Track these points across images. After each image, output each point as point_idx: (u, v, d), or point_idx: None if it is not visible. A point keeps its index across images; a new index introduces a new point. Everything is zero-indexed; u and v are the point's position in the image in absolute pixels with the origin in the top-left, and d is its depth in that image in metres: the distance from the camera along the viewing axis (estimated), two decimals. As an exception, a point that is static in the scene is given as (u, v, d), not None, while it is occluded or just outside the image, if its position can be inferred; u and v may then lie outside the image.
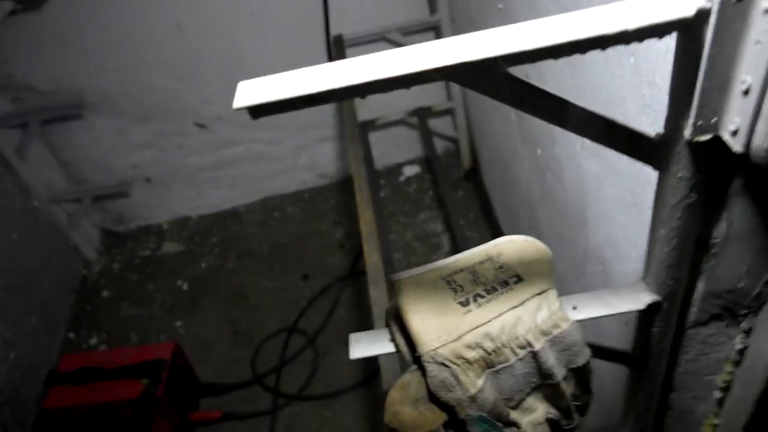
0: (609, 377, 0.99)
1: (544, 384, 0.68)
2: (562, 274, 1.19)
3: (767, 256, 0.60)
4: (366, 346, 0.72)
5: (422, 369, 0.67)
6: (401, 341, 0.70)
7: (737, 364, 0.71)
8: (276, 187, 2.53)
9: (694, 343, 0.73)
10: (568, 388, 0.69)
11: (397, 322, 0.71)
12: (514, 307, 0.66)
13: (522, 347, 0.65)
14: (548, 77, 1.05)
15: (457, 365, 0.65)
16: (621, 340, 0.87)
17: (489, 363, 0.65)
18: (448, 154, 2.48)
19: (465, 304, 0.68)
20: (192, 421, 1.81)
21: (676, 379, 0.80)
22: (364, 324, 2.02)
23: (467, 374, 0.65)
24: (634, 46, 0.70)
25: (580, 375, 0.69)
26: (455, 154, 2.48)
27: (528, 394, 0.68)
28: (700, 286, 0.66)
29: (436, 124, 2.38)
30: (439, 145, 2.49)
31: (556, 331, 0.65)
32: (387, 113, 2.28)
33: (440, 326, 0.66)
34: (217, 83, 2.17)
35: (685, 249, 0.61)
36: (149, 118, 2.22)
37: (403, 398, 0.67)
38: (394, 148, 2.48)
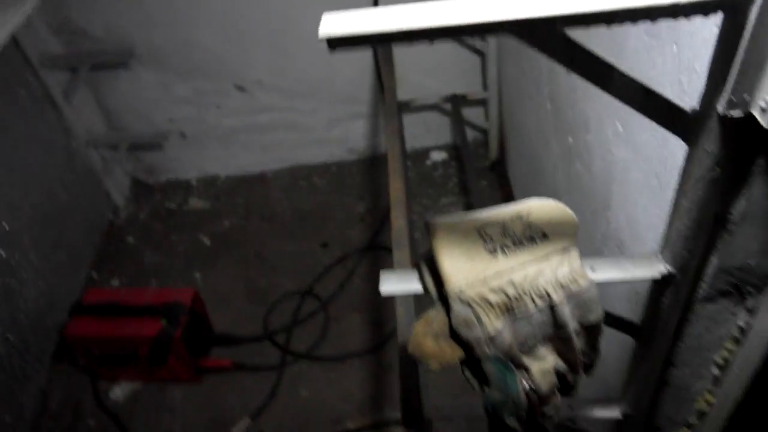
0: (612, 352, 1.04)
1: (556, 336, 0.73)
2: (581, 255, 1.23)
3: (779, 236, 0.64)
4: (395, 283, 0.78)
5: (447, 307, 0.73)
6: (430, 281, 0.75)
7: (738, 342, 0.76)
8: (305, 157, 2.59)
9: (700, 319, 0.78)
10: (578, 343, 0.74)
11: (427, 264, 0.77)
12: (538, 261, 0.72)
13: (541, 298, 0.70)
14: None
15: (480, 306, 0.70)
16: (629, 315, 0.92)
17: (509, 308, 0.71)
18: (475, 144, 2.52)
19: (493, 252, 0.73)
20: (202, 366, 1.88)
21: (677, 355, 0.85)
22: (377, 296, 2.08)
23: (488, 316, 0.70)
24: (679, 35, 0.75)
25: (591, 332, 0.74)
26: (483, 145, 2.53)
27: (540, 344, 0.74)
28: (713, 261, 0.70)
29: (468, 113, 2.43)
30: (468, 135, 2.53)
31: (575, 287, 0.71)
32: (422, 96, 2.33)
33: (468, 269, 0.72)
34: (261, 49, 2.23)
35: (703, 223, 0.67)
36: (192, 75, 2.28)
37: (426, 332, 0.73)
38: (424, 132, 2.53)
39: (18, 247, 1.88)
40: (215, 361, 1.89)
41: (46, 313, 1.98)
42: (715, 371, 0.82)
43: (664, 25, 0.78)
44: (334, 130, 2.52)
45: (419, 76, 2.29)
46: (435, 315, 0.73)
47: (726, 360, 0.79)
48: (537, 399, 0.75)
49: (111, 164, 2.43)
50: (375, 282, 2.13)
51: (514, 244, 0.73)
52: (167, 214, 2.50)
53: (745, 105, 0.53)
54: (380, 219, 2.32)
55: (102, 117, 2.39)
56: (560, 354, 0.74)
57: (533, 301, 0.70)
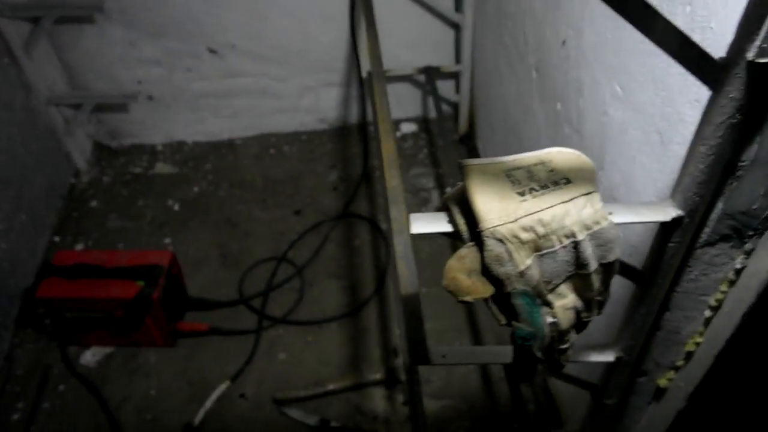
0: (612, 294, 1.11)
1: (577, 274, 0.78)
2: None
3: (785, 180, 0.71)
4: (424, 224, 0.81)
5: (480, 245, 0.76)
6: (461, 220, 0.79)
7: (732, 283, 0.84)
8: (275, 125, 2.57)
9: (699, 264, 0.85)
10: (596, 281, 0.79)
11: (458, 204, 0.80)
12: (564, 202, 0.76)
13: (567, 236, 0.75)
14: (587, 31, 1.15)
15: (512, 243, 0.75)
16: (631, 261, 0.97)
17: (537, 246, 0.75)
18: (445, 118, 2.57)
19: (522, 194, 0.77)
20: (178, 330, 1.87)
21: (673, 299, 0.92)
22: (352, 262, 2.11)
23: (519, 253, 0.75)
24: (693, -4, 0.81)
25: (608, 271, 0.80)
26: (452, 118, 2.58)
27: (563, 281, 0.79)
28: (719, 206, 0.77)
29: (439, 86, 2.47)
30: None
31: (597, 227, 0.76)
32: (396, 67, 2.35)
33: (500, 209, 0.76)
34: (236, 11, 2.19)
35: (716, 168, 0.72)
36: (163, 34, 2.22)
37: (460, 267, 0.76)
38: (395, 105, 2.56)
39: (-20, 207, 1.80)
40: (192, 325, 1.88)
41: (8, 276, 1.91)
42: (707, 313, 0.89)
43: (677, -12, 0.84)
44: (305, 98, 2.50)
45: (394, 47, 2.30)
46: (467, 252, 0.76)
47: (719, 302, 0.87)
48: (557, 334, 0.80)
49: (73, 125, 2.33)
50: (349, 248, 2.17)
51: (541, 187, 0.77)
52: (132, 178, 2.44)
53: (775, 52, 0.59)
54: (353, 187, 2.34)
55: (64, 74, 2.30)
56: (579, 292, 0.79)
57: (559, 240, 0.75)
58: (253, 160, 2.50)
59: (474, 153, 2.41)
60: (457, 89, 2.46)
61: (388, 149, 1.44)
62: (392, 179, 1.38)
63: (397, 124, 2.61)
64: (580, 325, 0.84)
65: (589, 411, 1.19)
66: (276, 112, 2.53)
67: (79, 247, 2.18)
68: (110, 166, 2.48)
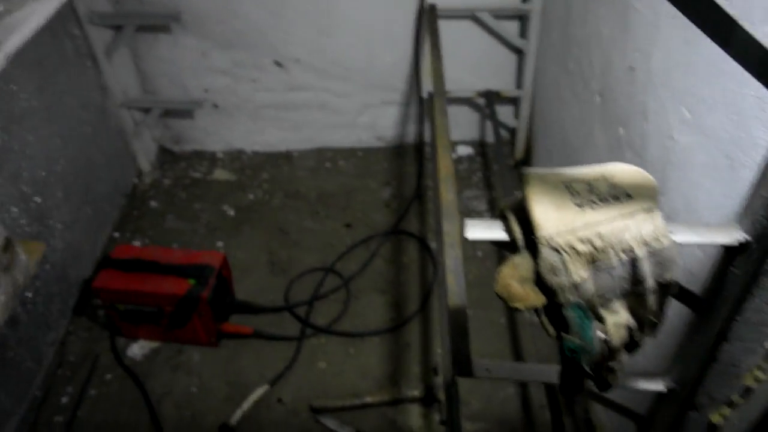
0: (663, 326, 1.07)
1: (632, 292, 0.76)
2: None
3: None
4: (480, 230, 0.81)
5: (535, 253, 0.76)
6: (517, 229, 0.78)
7: (799, 316, 0.80)
8: (333, 140, 2.62)
9: (764, 292, 0.81)
10: (651, 301, 0.77)
11: (515, 212, 0.80)
12: (624, 217, 0.75)
13: (625, 252, 0.73)
14: (656, 55, 1.13)
15: (568, 254, 0.74)
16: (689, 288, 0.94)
17: (594, 259, 0.74)
18: (502, 143, 2.56)
19: (581, 206, 0.76)
20: (223, 331, 1.90)
21: (733, 329, 0.88)
22: (399, 278, 2.11)
23: (574, 264, 0.73)
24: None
25: (665, 292, 0.78)
26: (509, 144, 2.57)
27: (617, 298, 0.77)
28: (789, 233, 0.74)
29: (498, 111, 2.47)
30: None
31: (657, 245, 0.74)
32: (457, 90, 2.37)
33: (558, 218, 0.75)
34: (303, 27, 2.26)
35: (788, 192, 0.70)
36: (233, 46, 2.31)
37: (513, 275, 0.76)
38: (453, 127, 2.56)
39: (51, 198, 1.89)
40: (236, 327, 1.91)
41: (70, 265, 1.99)
42: (770, 346, 0.85)
43: (759, 9, 0.82)
44: (364, 115, 2.55)
45: (455, 70, 2.32)
46: (521, 260, 0.76)
47: (783, 335, 0.83)
48: (608, 351, 0.78)
49: (141, 128, 2.44)
50: (397, 265, 2.17)
51: (601, 200, 0.76)
52: (191, 182, 2.52)
53: None
54: (405, 205, 2.35)
55: (138, 79, 2.41)
56: (632, 311, 0.77)
57: (617, 255, 0.73)
58: (308, 173, 2.55)
59: (528, 179, 2.38)
60: (516, 114, 2.45)
61: (445, 165, 1.45)
62: (447, 193, 1.39)
63: (453, 146, 2.61)
64: (632, 345, 0.82)
65: (635, 445, 1.15)
66: (334, 127, 2.58)
67: (137, 243, 2.26)
68: (171, 170, 2.58)
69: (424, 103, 2.44)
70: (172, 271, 1.81)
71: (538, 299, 0.75)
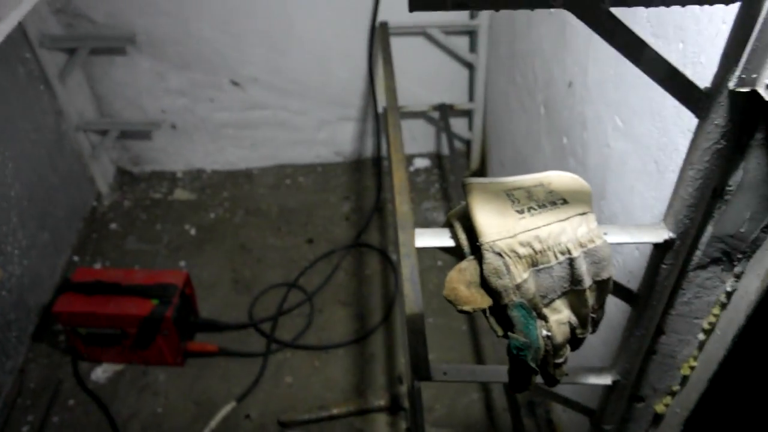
0: (604, 325, 1.14)
1: (572, 290, 0.82)
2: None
3: (769, 204, 0.75)
4: (429, 238, 0.85)
5: (479, 258, 0.81)
6: (462, 236, 0.83)
7: (724, 306, 0.87)
8: (292, 156, 2.65)
9: (692, 286, 0.88)
10: (590, 298, 0.83)
11: (460, 220, 0.85)
12: (561, 221, 0.81)
13: (563, 253, 0.79)
14: (591, 69, 1.21)
15: (510, 257, 0.79)
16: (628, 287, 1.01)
17: (534, 261, 0.79)
18: (457, 155, 2.63)
19: (520, 212, 0.82)
20: (189, 350, 1.90)
21: (668, 322, 0.95)
22: (362, 290, 2.14)
23: (516, 266, 0.79)
24: (686, 34, 0.86)
25: (602, 288, 0.84)
26: (465, 155, 2.64)
27: (558, 297, 0.82)
28: (708, 230, 0.81)
29: (452, 124, 2.54)
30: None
31: (592, 245, 0.80)
32: (411, 104, 2.43)
33: (499, 224, 0.80)
34: (260, 45, 2.30)
35: (704, 192, 0.77)
36: (189, 67, 2.33)
37: (460, 279, 0.81)
38: (409, 140, 2.63)
39: (6, 222, 1.87)
40: (201, 345, 1.92)
41: (28, 291, 1.97)
42: (701, 336, 0.92)
43: (671, 28, 0.90)
44: (322, 131, 2.59)
45: (410, 85, 2.39)
46: (467, 265, 0.81)
47: (712, 325, 0.90)
48: (552, 348, 0.83)
49: (98, 150, 2.43)
50: (359, 277, 2.21)
51: (539, 207, 0.82)
52: (152, 203, 2.51)
53: (752, 83, 0.64)
54: (365, 218, 2.39)
55: (94, 102, 2.40)
56: (574, 308, 0.83)
57: (555, 256, 0.79)
58: (268, 190, 2.57)
59: (484, 189, 2.46)
60: (470, 126, 2.53)
61: (399, 177, 1.50)
62: (402, 205, 1.44)
63: (410, 158, 2.67)
64: (575, 341, 0.88)
65: (588, 438, 1.21)
66: (293, 143, 2.62)
67: (98, 266, 2.24)
68: (131, 191, 2.57)
69: (380, 118, 2.50)
70: (135, 292, 1.81)
71: (484, 301, 0.80)
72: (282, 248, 2.31)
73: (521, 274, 0.78)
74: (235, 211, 2.48)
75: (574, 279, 0.81)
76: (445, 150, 2.69)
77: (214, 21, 2.21)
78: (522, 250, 0.79)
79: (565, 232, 0.80)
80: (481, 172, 2.54)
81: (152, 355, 1.85)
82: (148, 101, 2.42)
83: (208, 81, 2.38)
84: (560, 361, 0.85)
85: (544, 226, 0.80)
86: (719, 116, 0.69)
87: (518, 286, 0.79)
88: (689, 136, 0.86)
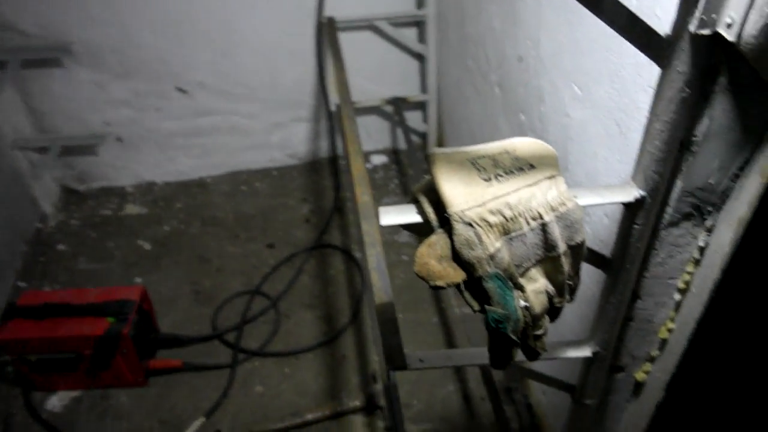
0: (578, 300, 1.12)
1: (547, 257, 0.79)
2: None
3: (737, 150, 0.74)
4: (394, 216, 0.81)
5: (449, 230, 0.77)
6: (429, 209, 0.80)
7: (698, 263, 0.85)
8: (246, 162, 2.58)
9: (665, 245, 0.86)
10: (565, 264, 0.80)
11: (426, 194, 0.81)
12: (529, 186, 0.78)
13: (534, 219, 0.76)
14: (543, 40, 1.19)
15: (480, 227, 0.75)
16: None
17: (506, 229, 0.76)
18: (415, 148, 2.60)
19: (487, 180, 0.79)
20: (151, 367, 1.81)
21: (642, 286, 0.94)
22: (327, 292, 2.09)
23: (488, 236, 0.75)
24: (638, -11, 0.85)
25: (576, 254, 0.81)
26: (422, 148, 2.62)
27: (533, 265, 0.79)
28: (678, 184, 0.79)
29: (408, 117, 2.52)
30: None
31: (563, 209, 0.77)
32: (363, 100, 2.40)
33: (467, 194, 0.77)
34: (204, 49, 2.23)
35: (671, 145, 0.75)
36: (132, 76, 2.24)
37: (430, 253, 0.77)
38: (365, 137, 2.59)
39: (-58, 250, 1.75)
40: (165, 362, 1.83)
41: (-29, 321, 1.84)
42: (677, 296, 0.90)
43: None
44: (274, 134, 2.53)
45: (360, 80, 2.36)
46: (437, 239, 0.77)
47: (687, 284, 0.88)
48: (530, 319, 0.80)
49: (39, 169, 2.31)
50: (324, 279, 2.15)
51: (506, 173, 0.79)
52: (102, 221, 2.40)
53: (713, 23, 0.62)
54: (325, 219, 2.34)
55: (30, 117, 2.28)
56: (550, 276, 0.80)
57: (527, 222, 0.76)
58: (224, 198, 2.50)
59: (444, 181, 2.44)
60: (425, 118, 2.51)
61: (357, 168, 1.46)
62: (363, 195, 1.40)
63: (366, 156, 2.64)
64: (553, 311, 0.85)
65: (570, 416, 1.18)
66: (246, 149, 2.55)
67: (47, 290, 2.12)
68: (79, 210, 2.45)
69: (333, 116, 2.45)
70: (88, 311, 1.71)
71: (457, 275, 0.76)
72: (242, 255, 2.24)
73: (494, 243, 0.75)
74: (190, 221, 2.39)
75: (548, 245, 0.78)
76: (402, 145, 2.67)
77: (154, 26, 2.13)
78: (492, 219, 0.76)
79: (535, 197, 0.77)
80: (440, 164, 2.52)
81: (112, 377, 1.75)
82: (90, 114, 2.32)
83: (152, 89, 2.30)
84: (540, 332, 0.82)
85: (513, 192, 0.77)
86: (681, 63, 0.68)
87: (492, 257, 0.75)
88: (650, 92, 0.84)
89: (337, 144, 2.56)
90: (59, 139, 2.30)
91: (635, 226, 0.84)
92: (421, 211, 0.80)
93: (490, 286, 0.76)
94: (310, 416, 1.70)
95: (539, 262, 0.80)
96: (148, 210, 2.45)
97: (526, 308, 0.79)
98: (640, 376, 1.04)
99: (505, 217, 0.76)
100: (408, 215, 0.81)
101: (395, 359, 1.00)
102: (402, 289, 2.07)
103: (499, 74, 1.50)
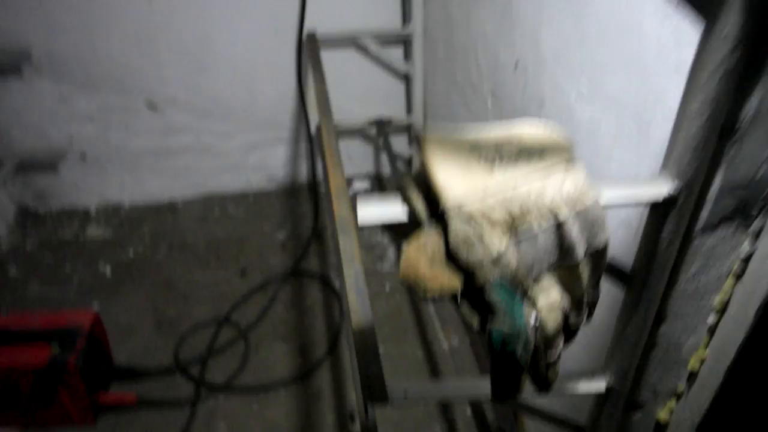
0: (596, 317, 0.97)
1: (562, 265, 0.65)
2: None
3: (794, 135, 0.61)
4: (375, 209, 0.67)
5: (443, 227, 0.63)
6: (418, 201, 0.66)
7: (739, 277, 0.71)
8: (220, 185, 2.43)
9: (698, 257, 0.73)
10: (584, 273, 0.66)
11: (416, 182, 0.67)
12: (540, 177, 0.65)
13: (546, 216, 0.62)
14: (545, 38, 1.08)
15: (482, 224, 0.61)
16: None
17: (513, 228, 0.62)
18: (398, 174, 2.48)
19: (490, 169, 0.65)
20: (101, 403, 1.61)
21: (670, 305, 0.80)
22: (303, 322, 1.92)
23: (490, 235, 0.61)
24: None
25: (597, 261, 0.67)
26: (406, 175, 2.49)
27: (545, 274, 0.65)
28: (717, 179, 0.66)
29: (393, 141, 2.39)
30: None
31: (580, 206, 0.64)
32: (346, 120, 2.27)
33: (466, 184, 0.63)
34: (177, 63, 2.10)
35: (711, 129, 0.62)
36: (98, 88, 2.10)
37: (419, 255, 0.62)
38: (347, 161, 2.42)
39: None
40: (117, 396, 1.63)
41: None
42: (711, 318, 0.76)
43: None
44: (251, 156, 2.39)
45: (344, 100, 2.24)
46: (428, 237, 0.63)
47: (724, 303, 0.74)
48: (542, 341, 0.65)
49: (-6, 187, 2.14)
50: (299, 309, 1.99)
51: (514, 161, 0.65)
52: (60, 244, 2.22)
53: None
54: (303, 246, 2.19)
55: (-14, 132, 2.13)
56: (566, 286, 0.66)
57: (538, 221, 0.62)
58: (195, 222, 2.33)
59: (430, 207, 2.31)
60: (410, 141, 2.39)
61: (336, 181, 1.32)
62: (342, 210, 1.25)
63: (348, 181, 2.50)
64: (567, 333, 0.70)
65: (577, 462, 1.02)
66: (220, 171, 2.40)
67: (-8, 318, 1.93)
68: (35, 232, 2.27)
69: (314, 138, 2.32)
70: (30, 338, 1.52)
71: (451, 282, 0.62)
72: (212, 283, 2.07)
73: (497, 243, 0.61)
74: (157, 246, 2.22)
75: (564, 249, 0.64)
76: (385, 169, 2.54)
77: (124, 35, 2.01)
78: (496, 215, 0.62)
79: (548, 191, 0.63)
80: (425, 190, 2.39)
81: (55, 414, 1.55)
82: (51, 129, 2.16)
83: (120, 104, 2.15)
84: (553, 357, 0.68)
85: (521, 183, 0.64)
86: (729, 23, 0.55)
87: (495, 260, 0.61)
88: (677, 77, 0.72)
89: (317, 168, 2.42)
90: (15, 155, 2.13)
91: (665, 229, 0.70)
92: (409, 205, 0.66)
93: (495, 297, 0.61)
94: (278, 461, 1.51)
95: (553, 271, 0.66)
96: (112, 233, 2.28)
97: (538, 326, 0.64)
98: (662, 415, 0.89)
99: (511, 214, 0.63)
100: (391, 208, 0.67)
101: (375, 391, 0.84)
102: (383, 321, 1.91)
103: (492, 82, 1.38)
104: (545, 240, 0.63)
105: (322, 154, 1.63)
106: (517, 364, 0.61)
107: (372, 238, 2.25)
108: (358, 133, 2.42)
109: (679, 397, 0.86)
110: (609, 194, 0.66)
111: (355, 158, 2.50)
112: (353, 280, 1.08)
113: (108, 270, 2.11)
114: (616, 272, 0.77)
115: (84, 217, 2.34)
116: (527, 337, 0.61)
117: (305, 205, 2.40)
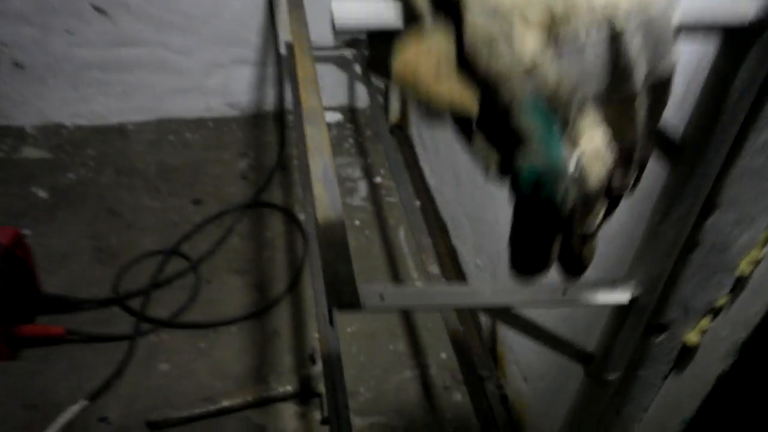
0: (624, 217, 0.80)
1: (612, 99, 0.47)
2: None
3: None
4: (356, 5, 0.47)
5: (455, 23, 0.43)
6: (420, -12, 0.45)
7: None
8: (177, 109, 2.19)
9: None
10: (640, 110, 0.48)
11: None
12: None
13: (600, 23, 0.43)
14: None
15: (511, 21, 0.42)
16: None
17: (553, 34, 0.43)
18: (373, 106, 2.27)
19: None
20: (22, 335, 1.40)
21: (725, 188, 0.62)
22: (261, 256, 1.72)
23: (523, 35, 0.42)
24: None
25: (657, 98, 0.49)
26: (382, 108, 2.29)
27: (590, 104, 0.46)
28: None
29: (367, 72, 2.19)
30: (366, 97, 2.29)
31: (644, 14, 0.45)
32: (319, 41, 2.05)
33: (490, -43, 0.43)
34: (128, -40, 1.84)
35: None
36: (35, -17, 1.83)
37: (421, 57, 0.43)
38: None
39: None
40: (41, 329, 1.42)
41: None
42: (781, 204, 0.59)
43: None
44: (212, 76, 2.15)
45: (317, 18, 2.01)
46: (434, 35, 0.43)
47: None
48: (581, 200, 0.47)
49: None
50: (258, 241, 1.78)
51: (554, -59, 0.46)
52: (-11, 163, 1.97)
53: None
54: (266, 176, 1.98)
55: None
56: (615, 127, 0.48)
57: (587, 29, 0.43)
58: (147, 147, 2.10)
59: (407, 143, 2.12)
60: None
61: (304, 67, 1.12)
62: (309, 99, 1.06)
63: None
64: (609, 200, 0.52)
65: (578, 398, 0.86)
66: (178, 92, 2.16)
67: None
68: (-38, 149, 2.01)
69: (283, 60, 2.10)
70: (-64, 256, 1.29)
71: (465, 96, 0.43)
72: (161, 211, 1.85)
73: (532, 49, 0.42)
74: (101, 170, 1.98)
75: (618, 71, 0.46)
76: (361, 103, 2.33)
77: None
78: (533, 12, 0.42)
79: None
80: (402, 125, 2.20)
81: (-34, 344, 1.34)
82: (-20, 30, 1.89)
83: (63, 5, 1.89)
84: (591, 229, 0.50)
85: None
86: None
87: (528, 70, 0.42)
88: None
89: (285, 95, 2.20)
90: (-62, 55, 1.86)
91: (737, 78, 0.52)
92: (405, -6, 0.46)
93: (526, 120, 0.42)
94: (226, 402, 1.33)
95: (599, 106, 0.48)
96: (51, 155, 2.03)
97: (577, 176, 0.46)
98: (692, 337, 0.72)
99: (552, 15, 0.43)
100: (378, 3, 0.47)
101: (344, 295, 0.66)
102: (353, 257, 1.72)
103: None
104: (595, 55, 0.44)
105: (293, 76, 1.42)
106: (552, 219, 0.43)
107: (342, 171, 2.05)
108: (332, 59, 2.20)
109: (717, 313, 0.69)
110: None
111: (328, 87, 2.29)
112: (321, 171, 0.89)
113: (43, 193, 1.87)
114: (661, 142, 0.60)
115: (20, 135, 2.08)
116: (565, 178, 0.42)
117: (270, 135, 2.18)
